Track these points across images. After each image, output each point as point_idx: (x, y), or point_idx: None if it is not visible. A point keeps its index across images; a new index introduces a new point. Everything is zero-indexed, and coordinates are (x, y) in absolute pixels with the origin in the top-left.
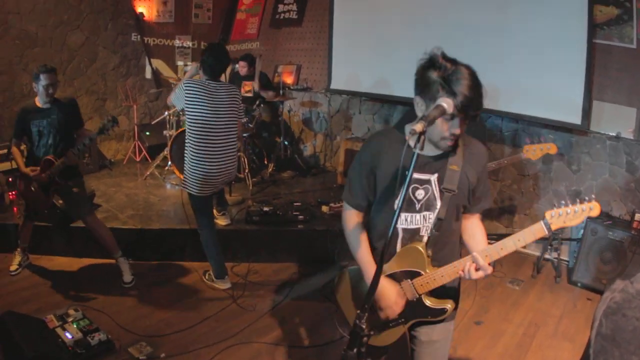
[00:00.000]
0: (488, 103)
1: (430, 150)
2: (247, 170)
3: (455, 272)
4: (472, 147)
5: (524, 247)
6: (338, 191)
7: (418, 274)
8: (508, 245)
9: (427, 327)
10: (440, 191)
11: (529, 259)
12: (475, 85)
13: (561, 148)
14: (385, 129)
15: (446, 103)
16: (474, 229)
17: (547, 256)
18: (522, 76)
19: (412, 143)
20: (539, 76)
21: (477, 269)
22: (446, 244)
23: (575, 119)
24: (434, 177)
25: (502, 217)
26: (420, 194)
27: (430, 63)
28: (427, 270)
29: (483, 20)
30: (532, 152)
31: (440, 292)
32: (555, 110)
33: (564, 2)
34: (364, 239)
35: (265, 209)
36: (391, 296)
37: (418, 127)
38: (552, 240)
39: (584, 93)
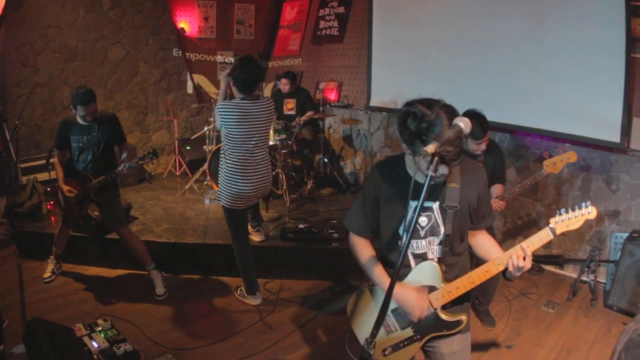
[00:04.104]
0: (525, 121)
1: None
2: (285, 187)
3: (470, 283)
4: (469, 167)
5: (561, 268)
6: None
7: (433, 289)
8: (518, 249)
9: (446, 340)
10: (442, 212)
11: (566, 281)
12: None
13: (600, 167)
14: (391, 157)
15: (463, 122)
16: (485, 242)
17: (584, 278)
18: (558, 93)
19: (423, 165)
20: (575, 93)
21: (524, 259)
22: (456, 260)
23: (614, 136)
24: (435, 205)
25: None
26: (423, 220)
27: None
28: (442, 284)
29: (520, 35)
30: (553, 165)
31: (453, 304)
32: (593, 128)
33: (601, 15)
34: (374, 258)
35: (301, 226)
36: (412, 295)
37: (430, 148)
38: (589, 262)
39: (623, 109)
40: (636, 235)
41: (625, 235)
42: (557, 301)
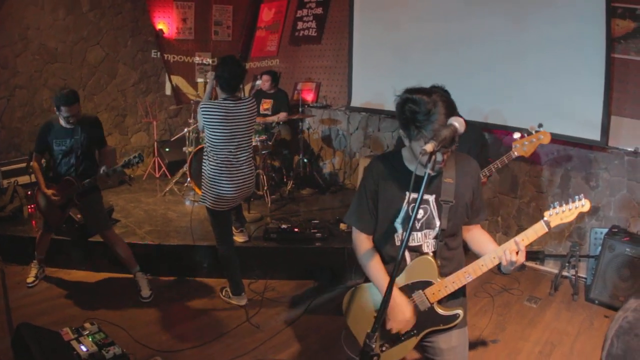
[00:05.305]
0: (506, 120)
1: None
2: (266, 188)
3: (466, 277)
4: (464, 163)
5: (542, 264)
6: None
7: (429, 284)
8: (511, 243)
9: (444, 335)
10: (438, 206)
11: (547, 276)
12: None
13: (579, 165)
14: (386, 153)
15: (457, 122)
16: (480, 236)
17: (565, 273)
18: (539, 91)
19: (424, 158)
20: (557, 91)
21: (517, 253)
22: (452, 255)
23: (594, 135)
24: (432, 198)
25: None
26: (419, 213)
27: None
28: (438, 279)
29: (500, 35)
30: (522, 147)
31: (449, 299)
32: (574, 126)
33: (583, 14)
34: (377, 258)
35: (283, 226)
36: (406, 310)
37: (429, 147)
38: (570, 257)
39: (603, 108)
40: (616, 230)
41: (605, 230)
42: (539, 296)
